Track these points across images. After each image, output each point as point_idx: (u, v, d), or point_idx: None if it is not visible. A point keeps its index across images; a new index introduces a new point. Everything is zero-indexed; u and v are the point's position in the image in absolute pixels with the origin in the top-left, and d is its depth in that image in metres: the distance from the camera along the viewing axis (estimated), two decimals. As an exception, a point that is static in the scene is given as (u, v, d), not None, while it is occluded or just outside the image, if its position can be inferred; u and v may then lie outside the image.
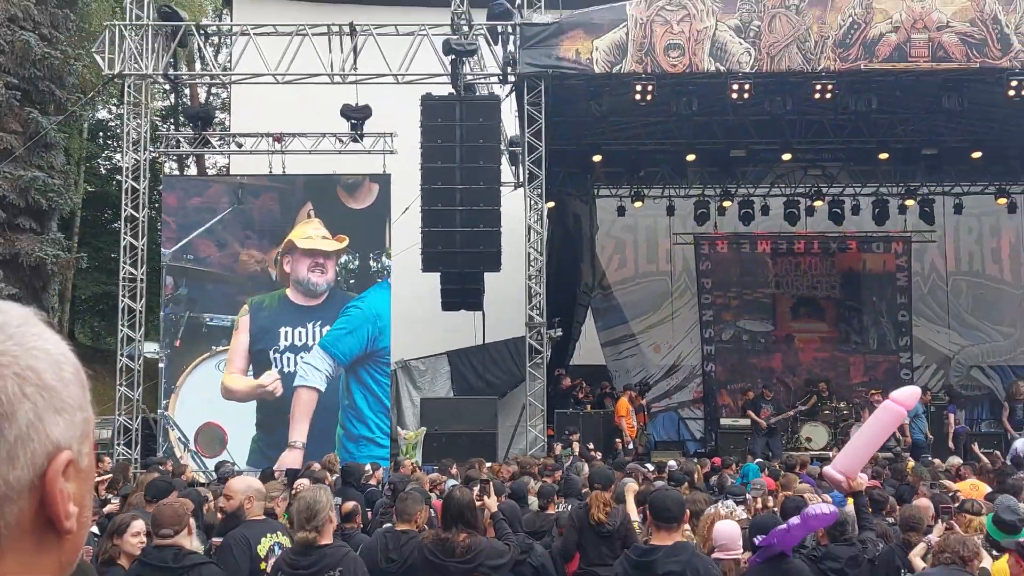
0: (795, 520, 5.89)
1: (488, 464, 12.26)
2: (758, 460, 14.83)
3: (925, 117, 19.98)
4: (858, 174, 23.13)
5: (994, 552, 6.66)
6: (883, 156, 21.47)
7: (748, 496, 9.37)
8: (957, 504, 8.25)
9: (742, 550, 6.27)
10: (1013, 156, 22.09)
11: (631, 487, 8.42)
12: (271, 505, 6.75)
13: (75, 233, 27.96)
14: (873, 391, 19.40)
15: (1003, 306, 24.31)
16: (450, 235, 15.96)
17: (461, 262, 16.12)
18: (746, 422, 19.28)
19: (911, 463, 13.29)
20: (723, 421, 20.14)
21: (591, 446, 15.56)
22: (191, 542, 5.34)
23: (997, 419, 19.93)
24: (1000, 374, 23.23)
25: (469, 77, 16.86)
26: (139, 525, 5.69)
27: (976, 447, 15.84)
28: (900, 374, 23.14)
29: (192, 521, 5.40)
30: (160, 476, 8.56)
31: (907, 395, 7.61)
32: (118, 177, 21.60)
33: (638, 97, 16.44)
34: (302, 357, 16.67)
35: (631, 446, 17.99)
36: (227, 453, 16.10)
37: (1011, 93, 16.16)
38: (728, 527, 6.26)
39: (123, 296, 16.90)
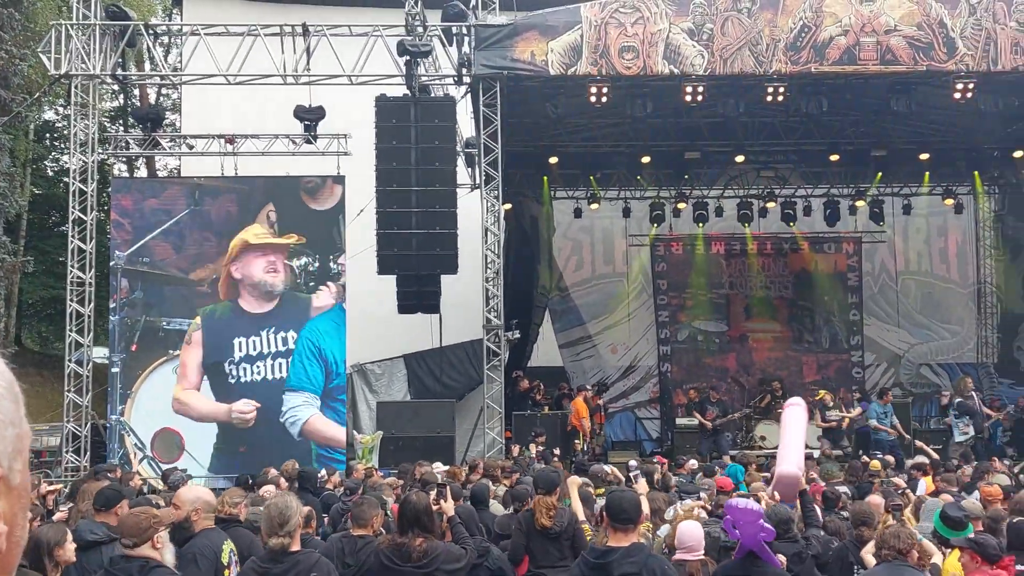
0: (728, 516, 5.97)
1: (446, 467, 12.22)
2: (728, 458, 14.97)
3: (874, 119, 20.27)
4: (809, 175, 23.43)
5: (944, 549, 6.77)
6: (834, 157, 21.77)
7: (703, 495, 9.44)
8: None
9: (704, 551, 6.31)
10: (959, 158, 22.52)
11: (574, 480, 8.46)
12: (236, 511, 6.64)
13: (21, 236, 27.47)
14: (822, 392, 19.59)
15: (950, 305, 24.73)
16: (406, 237, 15.90)
17: (417, 264, 16.06)
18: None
19: (875, 462, 13.49)
20: (679, 421, 20.27)
21: (556, 451, 15.60)
22: (163, 554, 5.22)
23: (944, 416, 20.22)
24: (948, 371, 23.62)
25: (424, 78, 16.81)
26: (70, 535, 5.65)
27: (923, 444, 16.09)
28: (852, 372, 23.45)
29: (164, 534, 5.27)
30: (110, 484, 8.40)
31: (795, 399, 8.03)
32: (65, 179, 21.24)
33: (593, 99, 16.50)
34: (284, 411, 16.53)
35: (585, 447, 17.99)
36: (188, 456, 15.91)
37: (957, 96, 16.44)
38: (691, 528, 6.30)
39: (71, 300, 16.63)
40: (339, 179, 17.18)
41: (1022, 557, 6.63)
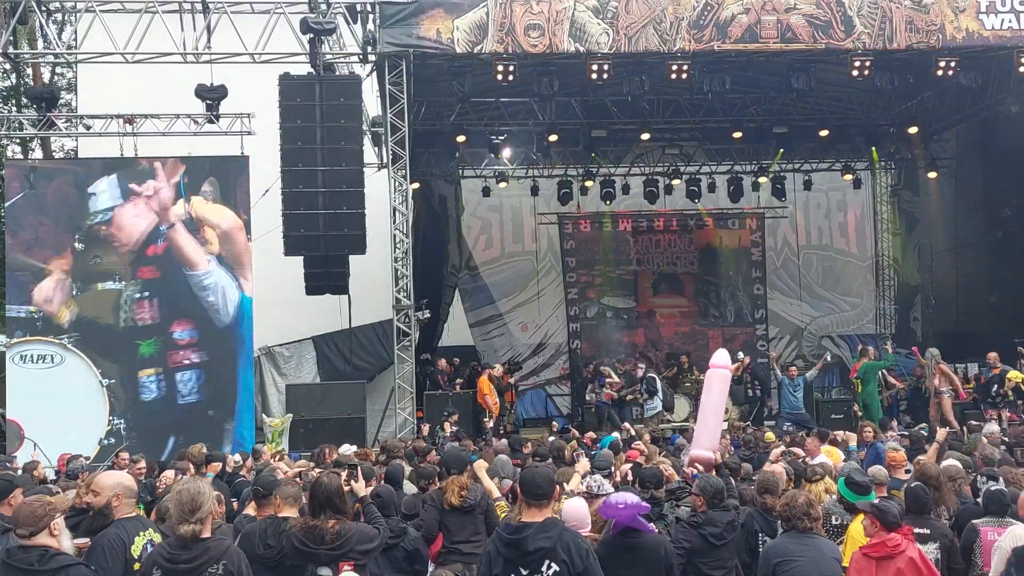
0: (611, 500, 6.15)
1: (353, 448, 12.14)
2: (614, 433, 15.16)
3: (775, 97, 20.72)
4: (713, 152, 23.83)
5: (848, 514, 6.97)
6: (737, 135, 22.17)
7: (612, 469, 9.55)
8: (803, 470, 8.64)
9: (590, 527, 6.40)
10: (857, 134, 23.15)
11: (480, 464, 8.50)
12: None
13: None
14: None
15: (850, 277, 25.49)
16: (313, 218, 15.67)
17: (325, 245, 15.85)
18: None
19: (769, 433, 13.81)
20: (588, 396, 20.48)
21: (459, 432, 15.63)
22: (61, 542, 5.06)
23: (847, 386, 20.84)
24: (848, 343, 24.33)
25: (328, 56, 16.55)
26: None
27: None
28: (756, 345, 24.00)
29: (60, 520, 5.10)
30: (2, 474, 8.13)
31: (720, 358, 8.11)
32: (-45, 162, 20.41)
33: (500, 77, 16.47)
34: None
35: (492, 424, 18.03)
36: (29, 443, 15.44)
37: (854, 73, 16.85)
38: (576, 505, 6.37)
39: (-36, 290, 16.05)
40: (235, 160, 16.91)
41: (919, 520, 6.88)
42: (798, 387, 18.59)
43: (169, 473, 9.65)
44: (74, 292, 16.46)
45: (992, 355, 17.86)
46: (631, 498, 6.22)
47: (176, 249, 16.68)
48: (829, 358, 20.78)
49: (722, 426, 8.76)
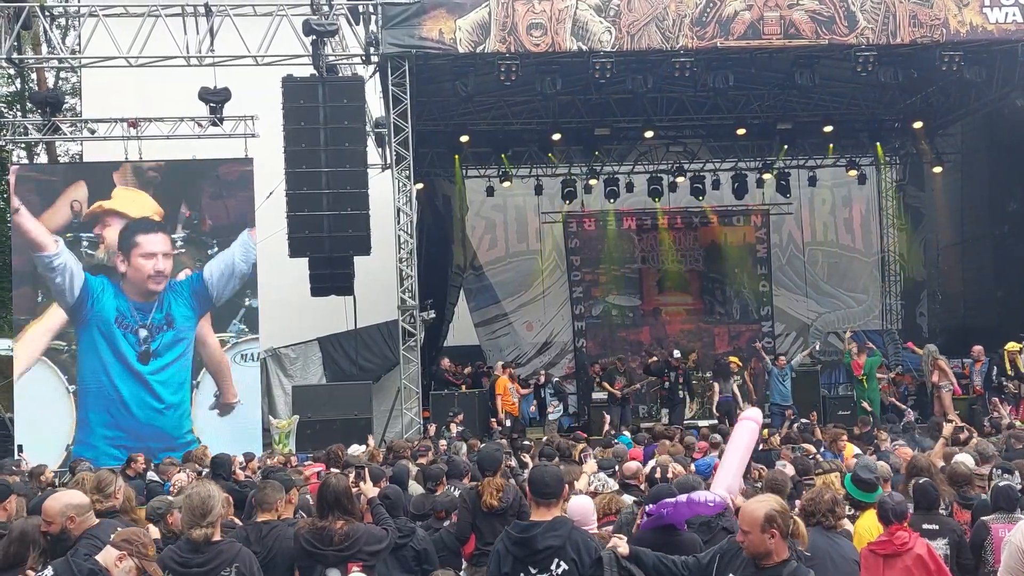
0: (681, 498, 6.03)
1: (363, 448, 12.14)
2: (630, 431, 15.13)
3: (779, 93, 20.69)
4: (717, 149, 23.81)
5: (855, 512, 6.94)
6: (740, 131, 22.13)
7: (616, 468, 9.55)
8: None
9: (596, 525, 6.37)
10: (861, 129, 23.11)
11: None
12: (111, 504, 6.10)
13: (-85, 227, 26.41)
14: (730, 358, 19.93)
15: (856, 273, 25.45)
16: (317, 219, 15.70)
17: (329, 246, 15.88)
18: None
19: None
20: (594, 395, 20.43)
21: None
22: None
23: (852, 382, 20.76)
24: (855, 339, 24.23)
25: (331, 58, 16.58)
26: None
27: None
28: (762, 342, 23.92)
29: (129, 561, 4.93)
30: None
31: (753, 412, 8.18)
32: (-39, 167, 20.44)
33: (502, 77, 16.45)
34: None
35: (508, 423, 17.99)
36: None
37: (858, 68, 16.81)
38: (581, 502, 6.34)
39: (-31, 293, 16.10)
40: (239, 162, 16.93)
41: (928, 516, 6.85)
42: (786, 376, 18.67)
43: (182, 476, 9.66)
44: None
45: (977, 348, 17.93)
46: (718, 498, 6.18)
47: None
48: (818, 347, 20.89)
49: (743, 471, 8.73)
